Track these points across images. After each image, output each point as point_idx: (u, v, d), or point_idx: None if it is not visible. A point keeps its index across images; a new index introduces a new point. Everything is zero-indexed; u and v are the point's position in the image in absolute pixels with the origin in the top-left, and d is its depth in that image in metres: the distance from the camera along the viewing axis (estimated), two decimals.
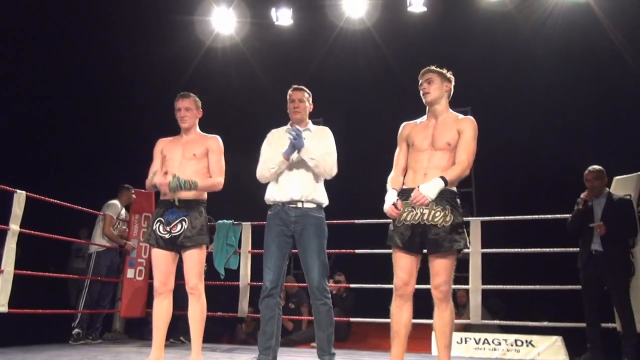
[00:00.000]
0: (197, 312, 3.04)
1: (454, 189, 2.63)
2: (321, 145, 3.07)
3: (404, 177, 2.76)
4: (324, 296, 2.95)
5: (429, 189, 2.50)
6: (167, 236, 3.05)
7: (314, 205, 3.03)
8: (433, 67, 2.80)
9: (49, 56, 7.09)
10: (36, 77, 7.09)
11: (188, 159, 3.14)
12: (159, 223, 3.08)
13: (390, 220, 2.69)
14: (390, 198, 2.66)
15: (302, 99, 3.17)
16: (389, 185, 2.76)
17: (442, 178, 2.53)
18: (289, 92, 3.21)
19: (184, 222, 3.03)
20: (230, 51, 7.33)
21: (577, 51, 6.33)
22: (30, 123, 7.12)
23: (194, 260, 3.05)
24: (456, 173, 2.58)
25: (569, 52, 6.40)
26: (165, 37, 7.05)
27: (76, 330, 4.85)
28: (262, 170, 3.08)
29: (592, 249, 4.19)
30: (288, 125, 3.18)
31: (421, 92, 2.78)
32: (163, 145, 3.26)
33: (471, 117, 2.74)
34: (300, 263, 3.07)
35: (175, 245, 3.05)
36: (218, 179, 3.13)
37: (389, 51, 6.85)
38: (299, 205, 3.01)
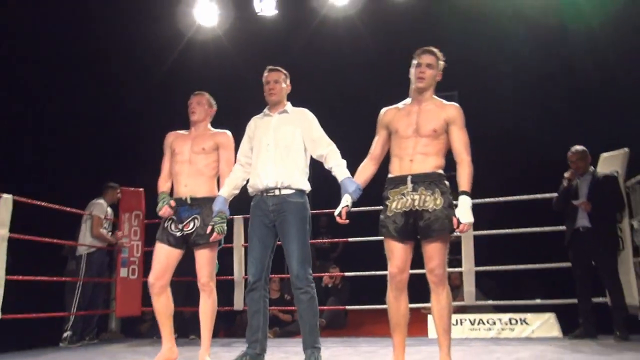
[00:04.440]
0: (208, 308, 3.07)
1: (441, 171, 2.60)
2: (313, 132, 2.97)
3: (389, 165, 2.69)
4: (305, 284, 2.82)
5: (465, 213, 2.47)
6: (178, 234, 3.04)
7: (292, 192, 2.91)
8: (435, 49, 2.68)
9: (27, 54, 6.95)
10: (15, 77, 6.95)
11: (197, 153, 3.12)
12: (170, 221, 3.07)
13: (382, 205, 2.67)
14: (343, 201, 2.67)
15: (278, 80, 3.04)
16: (356, 176, 2.76)
17: (464, 193, 2.51)
18: (265, 73, 3.09)
19: (196, 220, 3.02)
20: (212, 44, 7.24)
21: (559, 33, 6.37)
22: (10, 125, 6.99)
23: (207, 258, 3.05)
24: (469, 177, 2.55)
25: (550, 34, 6.44)
26: (146, 30, 6.94)
27: (68, 333, 4.81)
28: (232, 172, 3.08)
29: (578, 226, 4.25)
30: (265, 110, 3.09)
31: (415, 73, 2.64)
32: (172, 139, 3.23)
33: (457, 104, 2.67)
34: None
35: (187, 243, 3.05)
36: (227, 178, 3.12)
37: (373, 38, 6.82)
38: (276, 192, 2.90)
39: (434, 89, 2.71)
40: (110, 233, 5.31)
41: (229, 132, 3.24)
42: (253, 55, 7.19)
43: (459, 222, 2.47)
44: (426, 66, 2.63)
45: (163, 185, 3.20)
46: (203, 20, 6.78)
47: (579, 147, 4.36)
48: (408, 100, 2.75)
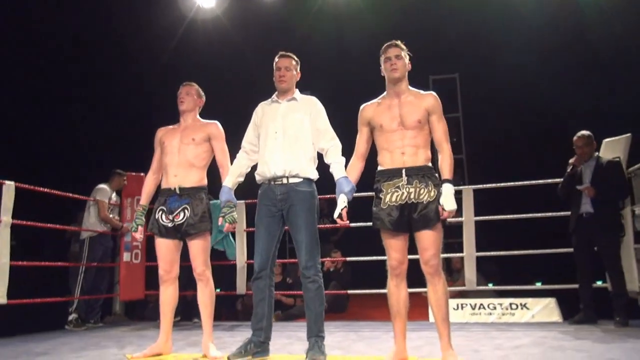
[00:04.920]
0: (206, 297, 3.11)
1: (430, 164, 2.67)
2: (319, 122, 2.95)
3: (378, 157, 2.74)
4: (313, 274, 2.84)
5: (449, 201, 2.54)
6: (170, 225, 3.07)
7: (300, 180, 2.89)
8: (399, 42, 2.76)
9: (28, 44, 6.89)
10: (17, 67, 6.90)
11: (186, 144, 3.13)
12: (161, 212, 3.09)
13: (374, 197, 2.71)
14: (340, 204, 2.70)
15: (289, 67, 3.00)
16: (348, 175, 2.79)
17: (447, 181, 2.57)
18: (275, 59, 3.05)
19: (186, 210, 3.05)
20: (212, 24, 7.17)
21: (563, 14, 6.29)
22: (12, 113, 6.97)
23: (199, 247, 3.09)
24: (450, 165, 2.62)
25: (554, 15, 6.35)
26: (147, 13, 6.87)
27: (73, 315, 4.88)
28: (236, 159, 3.08)
29: (582, 212, 4.26)
30: (274, 96, 3.06)
31: (386, 67, 2.71)
32: (162, 134, 3.24)
33: (434, 94, 2.73)
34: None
35: (179, 232, 3.08)
36: (229, 166, 3.12)
37: (376, 19, 6.73)
38: (284, 181, 2.89)
39: (407, 80, 2.77)
40: (117, 219, 5.35)
41: (218, 123, 3.23)
42: (253, 35, 7.13)
43: (443, 209, 2.54)
44: (395, 57, 2.71)
45: (148, 182, 3.22)
46: (202, 1, 6.71)
47: (585, 132, 4.33)
48: (385, 95, 2.79)
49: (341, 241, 6.99)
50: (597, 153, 4.36)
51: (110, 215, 5.22)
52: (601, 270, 4.31)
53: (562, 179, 4.45)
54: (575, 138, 4.34)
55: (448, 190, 2.56)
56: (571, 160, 4.37)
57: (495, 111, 6.64)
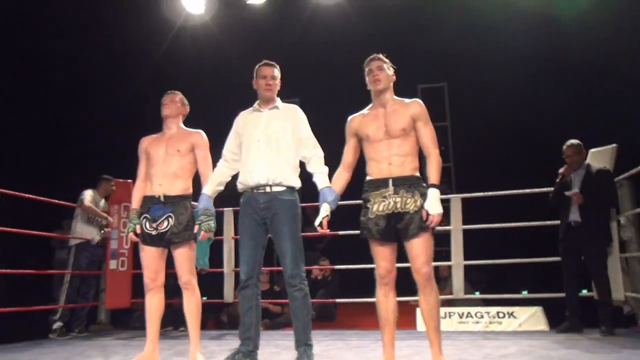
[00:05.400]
0: (192, 306, 3.07)
1: (418, 174, 2.69)
2: (301, 131, 2.97)
3: (367, 168, 2.75)
4: (299, 282, 2.85)
5: (434, 205, 2.54)
6: (154, 232, 3.04)
7: (283, 189, 2.90)
8: (381, 55, 2.80)
9: (12, 47, 6.83)
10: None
11: (171, 155, 3.11)
12: (145, 219, 3.06)
13: (362, 207, 2.72)
14: (322, 213, 2.72)
15: (275, 76, 3.02)
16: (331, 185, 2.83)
17: (433, 186, 2.59)
18: (259, 67, 3.04)
19: (170, 219, 3.02)
20: (202, 32, 7.16)
21: (551, 24, 6.38)
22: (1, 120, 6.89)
23: (184, 256, 3.05)
24: (437, 170, 2.63)
25: (542, 23, 6.44)
26: (135, 18, 6.85)
27: (58, 324, 4.80)
28: (216, 167, 3.08)
29: (570, 220, 4.27)
30: (255, 105, 3.06)
31: (370, 79, 2.74)
32: (147, 144, 3.21)
33: (419, 100, 2.75)
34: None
35: (163, 241, 3.05)
36: (210, 175, 3.10)
37: (365, 28, 6.78)
38: (267, 189, 2.89)
39: (392, 91, 2.81)
40: (104, 225, 5.28)
41: (202, 132, 3.22)
42: (242, 42, 7.14)
43: (428, 214, 2.54)
44: (377, 69, 2.75)
45: (138, 188, 3.18)
46: (191, 7, 6.70)
47: (574, 141, 4.35)
48: (371, 106, 2.82)
49: (329, 249, 6.98)
50: (586, 162, 4.37)
51: (97, 221, 5.15)
52: (587, 278, 4.34)
53: (550, 188, 4.49)
54: (564, 147, 4.36)
55: (433, 194, 2.57)
56: (561, 170, 4.39)
57: (484, 120, 6.70)
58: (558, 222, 4.44)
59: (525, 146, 6.60)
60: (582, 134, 4.55)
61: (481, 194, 5.01)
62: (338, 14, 6.82)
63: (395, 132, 2.66)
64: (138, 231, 3.07)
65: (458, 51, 6.65)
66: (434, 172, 2.63)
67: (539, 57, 6.58)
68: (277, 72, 3.06)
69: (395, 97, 2.79)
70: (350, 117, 2.85)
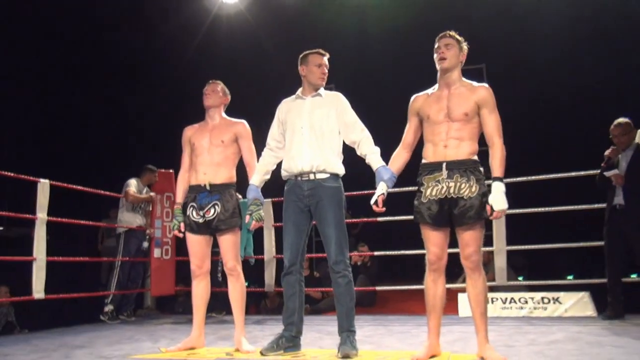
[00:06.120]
0: (237, 292, 3.15)
1: (475, 157, 2.58)
2: (346, 116, 2.96)
3: (423, 150, 2.68)
4: (343, 268, 2.85)
5: (498, 200, 2.46)
6: (201, 220, 3.11)
7: (327, 176, 2.90)
8: (452, 32, 2.67)
9: (57, 46, 7.05)
10: (45, 67, 7.06)
11: (216, 146, 3.16)
12: (192, 208, 3.14)
13: (416, 191, 2.67)
14: (378, 191, 2.68)
15: (328, 66, 3.05)
16: (389, 165, 2.78)
17: (496, 179, 2.49)
18: (311, 54, 3.02)
19: (216, 206, 3.08)
20: (236, 20, 7.21)
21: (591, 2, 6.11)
22: (50, 114, 7.15)
23: (230, 243, 3.12)
24: (501, 162, 2.53)
25: (583, 3, 6.17)
26: (171, 8, 6.96)
27: (109, 307, 4.99)
28: (261, 157, 3.10)
29: (615, 203, 4.12)
30: (298, 92, 3.06)
31: (437, 57, 2.64)
32: (191, 134, 3.26)
33: (486, 85, 2.63)
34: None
35: (210, 228, 3.12)
36: (256, 165, 3.14)
37: (400, 12, 6.66)
38: (311, 177, 2.89)
39: (460, 72, 2.69)
40: (148, 212, 5.46)
41: (245, 122, 3.25)
42: (275, 29, 7.14)
43: (492, 210, 2.47)
44: (444, 47, 2.63)
45: (182, 180, 3.23)
46: None
47: (622, 120, 4.13)
48: (437, 86, 2.72)
49: (363, 235, 6.98)
50: (636, 141, 4.13)
51: (141, 208, 5.32)
52: (632, 264, 4.18)
53: (597, 171, 4.33)
54: (612, 127, 4.15)
55: (497, 188, 2.47)
56: (607, 152, 4.20)
57: (525, 102, 6.50)
58: (604, 205, 4.28)
59: (569, 128, 6.38)
60: (631, 113, 4.35)
61: (523, 178, 4.88)
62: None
63: (456, 116, 2.56)
64: (182, 229, 3.15)
65: (498, 32, 6.46)
66: (497, 164, 2.52)
67: (581, 32, 6.32)
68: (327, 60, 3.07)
69: (464, 79, 2.67)
70: (413, 97, 2.77)
